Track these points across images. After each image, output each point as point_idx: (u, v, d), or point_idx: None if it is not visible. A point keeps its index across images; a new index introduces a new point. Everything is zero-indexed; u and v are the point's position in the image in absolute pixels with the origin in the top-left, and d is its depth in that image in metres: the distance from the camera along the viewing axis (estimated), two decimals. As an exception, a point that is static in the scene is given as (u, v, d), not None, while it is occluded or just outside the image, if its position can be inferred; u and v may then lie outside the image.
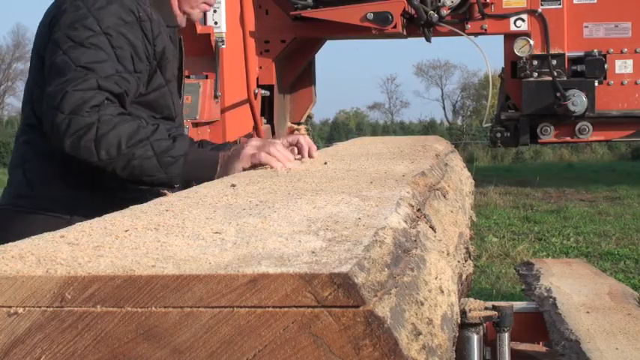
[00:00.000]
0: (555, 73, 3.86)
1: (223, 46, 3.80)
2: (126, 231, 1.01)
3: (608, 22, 3.90)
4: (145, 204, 1.29)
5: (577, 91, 3.83)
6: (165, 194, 1.46)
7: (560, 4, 3.90)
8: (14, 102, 50.36)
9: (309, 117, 4.61)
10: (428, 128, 38.61)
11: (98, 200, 2.05)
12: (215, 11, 3.77)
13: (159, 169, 2.02)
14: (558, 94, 3.83)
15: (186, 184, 1.99)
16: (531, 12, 3.90)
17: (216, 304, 0.76)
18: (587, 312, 2.74)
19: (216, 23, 3.79)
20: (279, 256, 0.83)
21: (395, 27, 3.80)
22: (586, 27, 3.91)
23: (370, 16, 3.80)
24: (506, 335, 2.26)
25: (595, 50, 3.89)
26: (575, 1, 3.92)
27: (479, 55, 4.02)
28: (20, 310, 0.78)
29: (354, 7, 3.82)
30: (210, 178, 1.94)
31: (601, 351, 2.28)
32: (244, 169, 2.01)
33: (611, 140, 4.13)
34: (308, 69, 4.42)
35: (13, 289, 0.79)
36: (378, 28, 3.81)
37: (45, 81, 2.07)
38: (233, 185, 1.54)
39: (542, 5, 3.89)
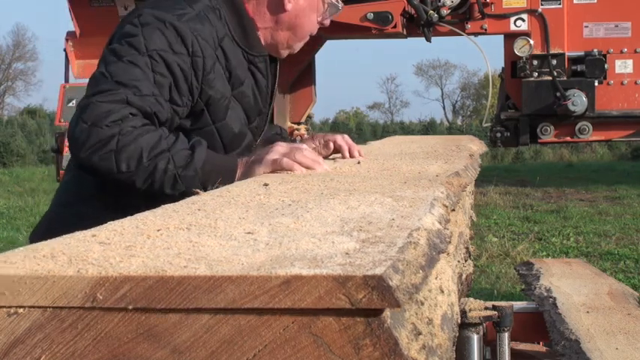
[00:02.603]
0: (555, 73, 3.85)
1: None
2: (158, 230, 1.00)
3: (608, 21, 3.90)
4: (176, 203, 1.28)
5: (577, 90, 3.83)
6: (197, 193, 1.45)
7: (560, 4, 3.90)
8: (14, 102, 50.41)
9: (309, 117, 4.60)
10: (428, 128, 38.55)
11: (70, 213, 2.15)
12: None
13: (178, 181, 1.99)
14: (558, 94, 3.83)
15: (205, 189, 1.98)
16: (531, 12, 3.90)
17: (249, 305, 0.74)
18: (587, 312, 2.74)
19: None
20: (312, 257, 0.82)
21: (395, 27, 3.80)
22: (586, 27, 3.91)
23: (370, 16, 3.80)
24: (506, 335, 2.26)
25: (595, 50, 3.89)
26: (575, 1, 3.91)
27: (479, 55, 4.02)
28: (20, 310, 0.78)
29: (354, 7, 3.82)
30: (224, 184, 1.96)
31: (601, 351, 2.28)
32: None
33: (611, 140, 4.12)
34: (308, 69, 4.41)
35: (45, 288, 0.78)
36: (378, 28, 3.81)
37: None
38: (265, 184, 1.53)
39: (542, 5, 3.89)
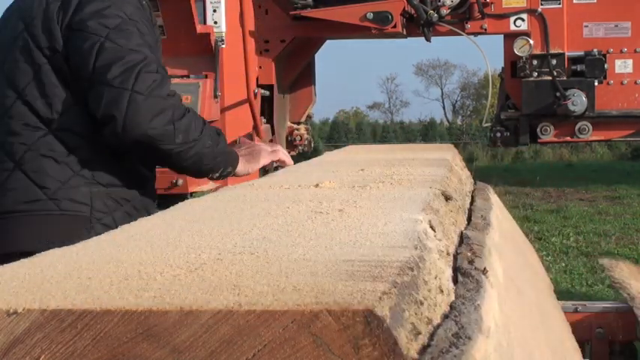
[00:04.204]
0: (555, 73, 3.86)
1: (223, 46, 3.79)
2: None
3: (607, 21, 3.90)
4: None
5: (577, 90, 3.83)
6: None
7: (559, 4, 3.90)
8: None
9: (309, 117, 4.61)
10: (428, 128, 38.58)
11: (116, 194, 2.11)
12: (215, 11, 3.76)
13: (213, 159, 2.13)
14: (558, 94, 3.83)
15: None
16: (531, 11, 3.90)
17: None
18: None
19: (215, 23, 3.79)
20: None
21: (395, 27, 3.80)
22: (586, 26, 3.91)
23: (370, 15, 3.80)
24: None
25: (595, 50, 3.89)
26: (574, 1, 3.92)
27: (478, 55, 4.02)
28: (20, 310, 0.78)
29: (354, 7, 3.82)
30: (230, 173, 2.19)
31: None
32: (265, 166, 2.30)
33: (611, 140, 4.13)
34: (308, 69, 4.42)
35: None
36: (377, 27, 3.81)
37: (68, 71, 2.04)
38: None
39: (541, 5, 3.90)
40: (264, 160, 2.28)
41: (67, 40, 2.05)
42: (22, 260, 1.02)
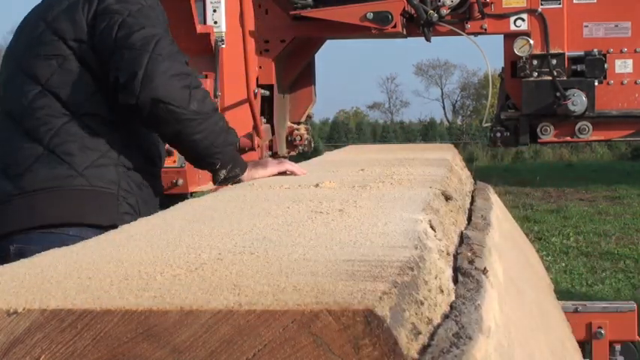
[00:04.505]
0: (555, 73, 3.85)
1: (223, 46, 3.79)
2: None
3: (607, 21, 3.90)
4: None
5: (577, 90, 3.82)
6: None
7: (559, 4, 3.90)
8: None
9: (309, 117, 4.60)
10: (428, 128, 38.57)
11: (136, 178, 2.19)
12: (215, 11, 3.76)
13: (223, 145, 2.16)
14: (558, 94, 3.83)
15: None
16: (531, 11, 3.90)
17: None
18: None
19: (215, 23, 3.79)
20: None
21: (395, 27, 3.80)
22: (586, 26, 3.91)
23: (370, 15, 3.80)
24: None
25: (595, 50, 3.89)
26: (574, 1, 3.91)
27: (479, 55, 4.02)
28: (20, 310, 0.78)
29: (354, 7, 3.82)
30: (237, 175, 2.21)
31: None
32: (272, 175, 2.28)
33: (611, 140, 4.12)
34: (308, 68, 4.41)
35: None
36: (377, 27, 3.81)
37: (93, 58, 2.13)
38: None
39: (541, 5, 3.89)
40: (272, 169, 2.29)
41: (93, 28, 2.14)
42: (22, 260, 1.02)
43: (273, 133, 4.10)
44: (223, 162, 2.18)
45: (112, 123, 2.16)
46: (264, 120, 4.06)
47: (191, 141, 2.11)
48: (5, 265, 0.98)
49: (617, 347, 3.50)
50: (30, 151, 2.13)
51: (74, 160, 2.11)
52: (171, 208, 1.56)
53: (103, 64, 2.12)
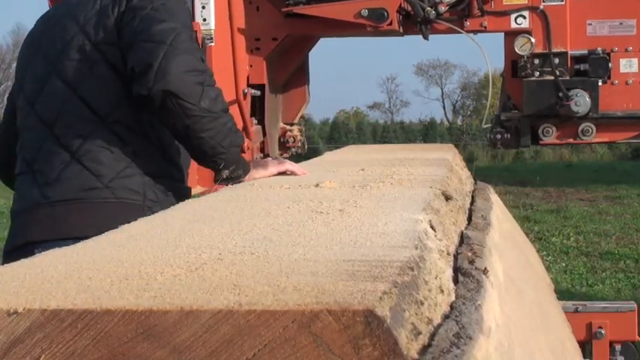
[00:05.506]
0: (557, 73, 3.79)
1: (212, 44, 3.70)
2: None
3: (612, 19, 3.84)
4: None
5: (580, 90, 3.77)
6: None
7: (562, 1, 3.83)
8: (14, 101, 50.15)
9: (303, 117, 4.50)
10: (428, 128, 38.56)
11: (162, 185, 2.22)
12: (204, 7, 3.68)
13: (230, 145, 2.17)
14: (560, 94, 3.77)
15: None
16: (533, 9, 3.83)
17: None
18: None
19: (204, 20, 3.71)
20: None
21: (390, 24, 3.70)
22: (589, 24, 3.86)
23: (365, 12, 3.71)
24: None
25: (599, 49, 3.82)
26: (578, -2, 3.86)
27: (479, 54, 3.98)
28: (20, 310, 0.78)
29: (348, 4, 3.73)
30: (240, 176, 2.22)
31: None
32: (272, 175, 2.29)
33: (616, 142, 4.05)
34: (301, 67, 4.31)
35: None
36: (372, 25, 3.72)
37: (122, 63, 2.15)
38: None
39: (543, 2, 3.83)
40: (272, 169, 2.31)
41: (120, 27, 2.17)
42: (22, 260, 1.02)
43: (264, 135, 4.01)
44: (227, 163, 2.20)
45: (139, 131, 2.19)
46: (255, 121, 3.95)
47: (199, 138, 2.13)
48: (5, 265, 0.98)
49: (618, 347, 3.50)
50: (59, 158, 2.16)
51: (101, 171, 2.14)
52: (171, 208, 1.56)
53: (125, 59, 2.14)
